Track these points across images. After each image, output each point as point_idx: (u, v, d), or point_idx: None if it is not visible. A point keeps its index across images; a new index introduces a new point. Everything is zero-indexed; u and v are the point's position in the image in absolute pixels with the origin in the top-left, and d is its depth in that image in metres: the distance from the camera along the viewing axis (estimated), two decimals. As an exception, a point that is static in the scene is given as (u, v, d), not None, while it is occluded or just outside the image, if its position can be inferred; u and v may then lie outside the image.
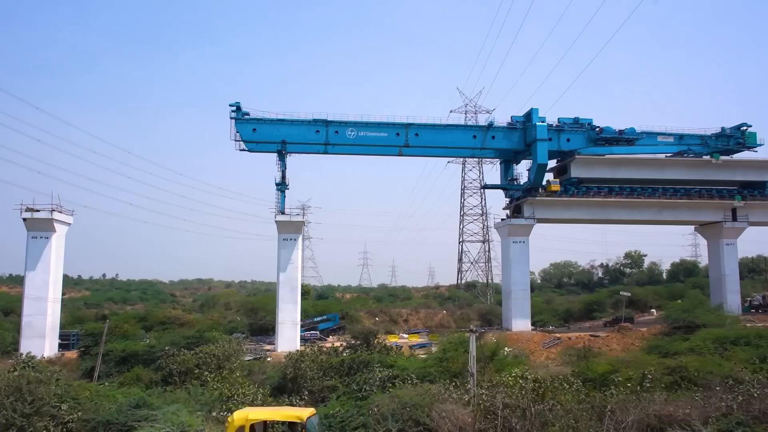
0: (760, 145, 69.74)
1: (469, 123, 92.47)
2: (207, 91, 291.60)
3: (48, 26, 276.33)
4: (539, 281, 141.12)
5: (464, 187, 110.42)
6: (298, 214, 63.11)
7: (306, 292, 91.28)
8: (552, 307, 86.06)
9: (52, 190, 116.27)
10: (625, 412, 19.28)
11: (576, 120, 66.62)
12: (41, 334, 55.23)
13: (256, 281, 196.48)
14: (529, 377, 23.03)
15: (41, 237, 57.21)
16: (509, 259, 67.00)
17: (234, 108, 62.22)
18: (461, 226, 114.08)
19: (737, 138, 69.12)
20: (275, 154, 63.33)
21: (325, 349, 43.41)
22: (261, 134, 62.77)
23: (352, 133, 63.82)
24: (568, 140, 66.35)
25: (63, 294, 64.99)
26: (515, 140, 66.30)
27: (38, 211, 57.28)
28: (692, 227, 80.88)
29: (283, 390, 34.99)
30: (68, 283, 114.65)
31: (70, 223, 60.92)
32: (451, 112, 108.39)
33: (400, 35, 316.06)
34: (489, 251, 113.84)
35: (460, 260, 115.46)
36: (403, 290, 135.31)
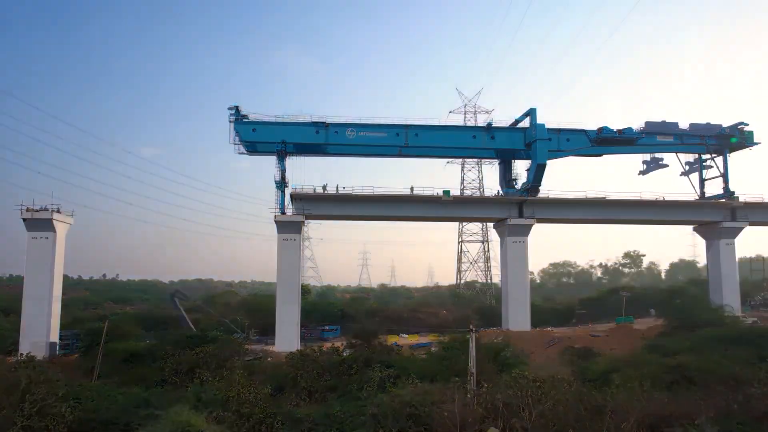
0: (758, 143, 69.74)
1: (469, 123, 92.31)
2: (208, 91, 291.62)
3: (48, 28, 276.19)
4: (538, 281, 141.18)
5: (464, 187, 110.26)
6: (298, 214, 62.98)
7: (306, 292, 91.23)
8: (551, 307, 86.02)
9: (52, 190, 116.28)
10: (625, 411, 19.30)
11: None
12: (41, 334, 55.19)
13: (256, 281, 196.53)
14: (529, 377, 23.04)
15: (41, 237, 57.16)
16: (508, 259, 66.89)
17: (233, 110, 62.03)
18: (460, 226, 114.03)
19: (735, 136, 68.91)
20: (275, 156, 63.25)
21: (325, 349, 43.38)
22: (261, 135, 62.72)
23: (352, 134, 63.79)
24: (567, 140, 66.41)
25: (63, 294, 64.89)
26: (515, 140, 66.22)
27: (38, 211, 57.23)
28: (691, 227, 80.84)
29: (283, 390, 34.96)
30: (68, 283, 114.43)
31: (70, 223, 60.87)
32: (450, 112, 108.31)
33: (399, 34, 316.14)
34: (488, 251, 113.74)
35: (459, 260, 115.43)
36: (402, 290, 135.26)
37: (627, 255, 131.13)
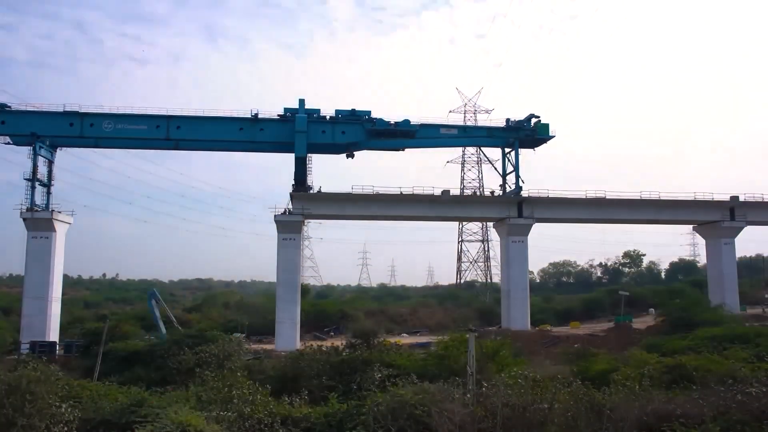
0: (553, 137, 67.12)
1: (469, 123, 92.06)
2: (203, 87, 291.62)
3: None
4: (538, 280, 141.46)
5: (463, 186, 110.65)
6: (298, 214, 63.04)
7: (306, 291, 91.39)
8: (551, 306, 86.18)
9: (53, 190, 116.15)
10: (624, 410, 19.34)
11: (353, 112, 63.94)
12: (41, 334, 55.27)
13: (256, 281, 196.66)
14: (528, 376, 23.07)
15: (41, 237, 57.28)
16: (508, 259, 67.05)
17: None
18: (460, 226, 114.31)
19: (526, 130, 66.88)
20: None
21: (324, 348, 43.43)
22: (10, 127, 59.62)
23: (109, 126, 61.27)
24: (343, 132, 64.00)
25: (63, 294, 65.05)
26: (284, 133, 63.10)
27: (38, 210, 57.31)
28: (691, 226, 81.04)
29: (282, 390, 34.98)
30: (68, 283, 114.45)
31: (70, 223, 60.98)
32: (450, 112, 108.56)
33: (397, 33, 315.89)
34: (488, 250, 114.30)
35: (459, 259, 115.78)
36: (402, 290, 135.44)
37: (627, 255, 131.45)
